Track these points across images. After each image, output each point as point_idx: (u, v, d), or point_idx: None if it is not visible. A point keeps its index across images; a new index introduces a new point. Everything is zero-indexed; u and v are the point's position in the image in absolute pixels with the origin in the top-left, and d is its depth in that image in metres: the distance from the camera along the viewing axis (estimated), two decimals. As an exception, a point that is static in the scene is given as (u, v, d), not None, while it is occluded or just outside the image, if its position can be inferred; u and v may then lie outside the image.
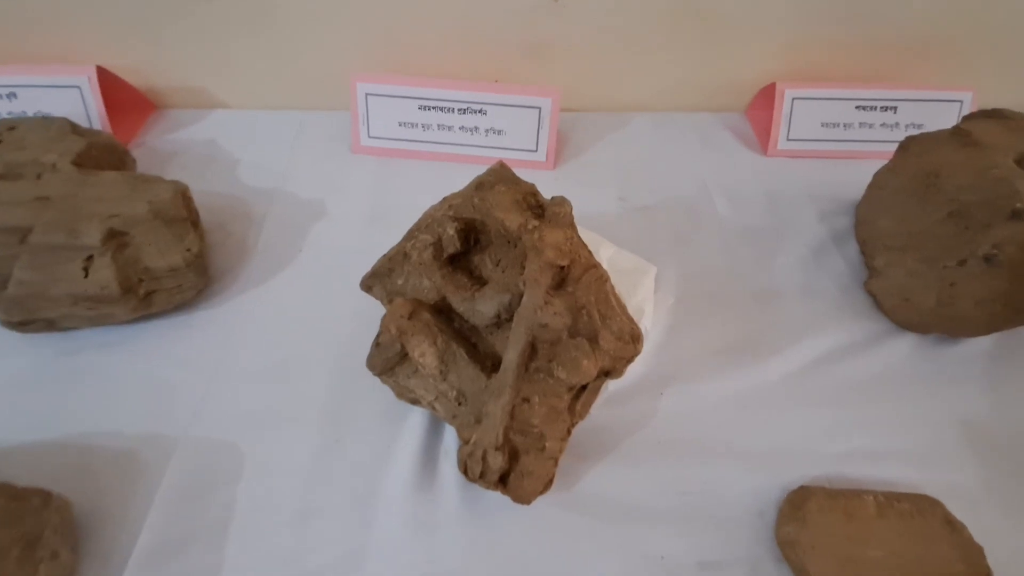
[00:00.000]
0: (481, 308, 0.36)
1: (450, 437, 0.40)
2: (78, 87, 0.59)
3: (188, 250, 0.46)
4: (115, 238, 0.44)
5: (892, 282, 0.47)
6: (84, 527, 0.36)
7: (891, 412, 0.43)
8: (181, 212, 0.47)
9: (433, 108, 0.60)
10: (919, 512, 0.35)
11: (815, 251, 0.54)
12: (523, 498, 0.35)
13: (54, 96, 0.59)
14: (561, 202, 0.35)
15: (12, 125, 0.52)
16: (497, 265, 0.39)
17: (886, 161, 0.53)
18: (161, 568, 0.34)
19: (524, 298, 0.33)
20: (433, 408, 0.38)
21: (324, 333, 0.46)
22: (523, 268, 0.36)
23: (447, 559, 0.35)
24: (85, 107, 0.59)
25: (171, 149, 0.62)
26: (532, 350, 0.33)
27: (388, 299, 0.43)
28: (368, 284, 0.43)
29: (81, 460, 0.39)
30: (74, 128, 0.53)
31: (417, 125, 0.61)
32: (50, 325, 0.44)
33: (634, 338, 0.34)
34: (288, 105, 0.67)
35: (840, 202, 0.58)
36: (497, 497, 0.35)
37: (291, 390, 0.43)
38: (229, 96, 0.67)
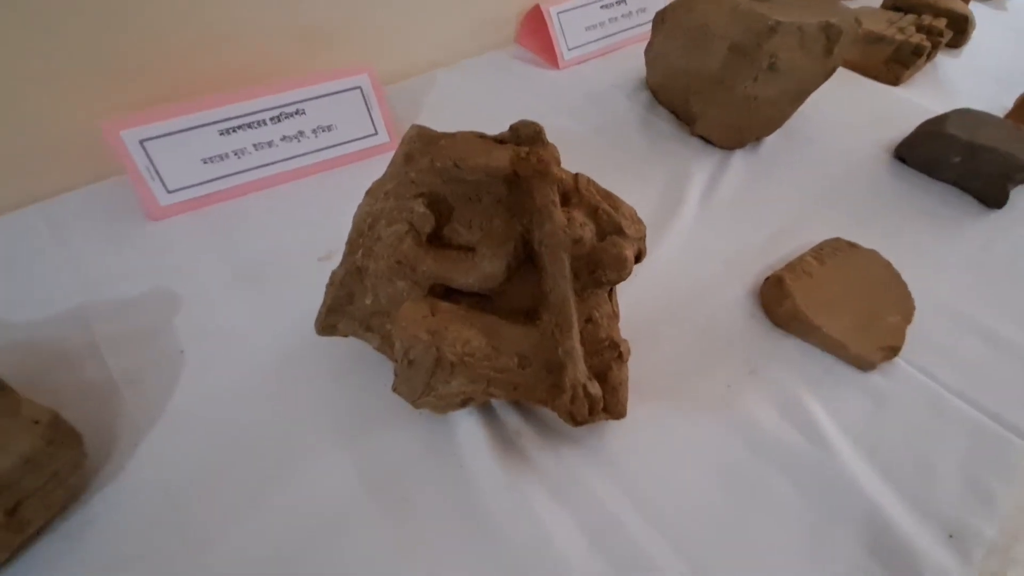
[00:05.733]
0: (489, 269, 0.33)
1: (510, 420, 0.37)
2: None
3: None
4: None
5: (712, 119, 0.59)
6: None
7: (766, 206, 0.55)
8: None
9: (238, 128, 0.49)
10: (836, 249, 0.47)
11: (642, 124, 0.64)
12: (620, 412, 0.35)
13: None
14: (532, 123, 0.34)
15: None
16: (470, 227, 0.36)
17: (640, 42, 0.64)
18: None
19: (546, 226, 0.32)
20: (489, 395, 0.34)
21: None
22: (508, 211, 0.34)
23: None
24: None
25: None
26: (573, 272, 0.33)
27: (363, 327, 0.36)
28: (329, 324, 0.36)
29: None
30: None
31: (227, 155, 0.49)
32: None
33: (637, 215, 0.36)
34: (13, 204, 0.47)
35: (634, 82, 0.69)
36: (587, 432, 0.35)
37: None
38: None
